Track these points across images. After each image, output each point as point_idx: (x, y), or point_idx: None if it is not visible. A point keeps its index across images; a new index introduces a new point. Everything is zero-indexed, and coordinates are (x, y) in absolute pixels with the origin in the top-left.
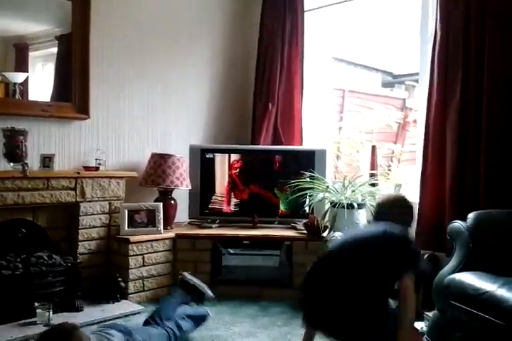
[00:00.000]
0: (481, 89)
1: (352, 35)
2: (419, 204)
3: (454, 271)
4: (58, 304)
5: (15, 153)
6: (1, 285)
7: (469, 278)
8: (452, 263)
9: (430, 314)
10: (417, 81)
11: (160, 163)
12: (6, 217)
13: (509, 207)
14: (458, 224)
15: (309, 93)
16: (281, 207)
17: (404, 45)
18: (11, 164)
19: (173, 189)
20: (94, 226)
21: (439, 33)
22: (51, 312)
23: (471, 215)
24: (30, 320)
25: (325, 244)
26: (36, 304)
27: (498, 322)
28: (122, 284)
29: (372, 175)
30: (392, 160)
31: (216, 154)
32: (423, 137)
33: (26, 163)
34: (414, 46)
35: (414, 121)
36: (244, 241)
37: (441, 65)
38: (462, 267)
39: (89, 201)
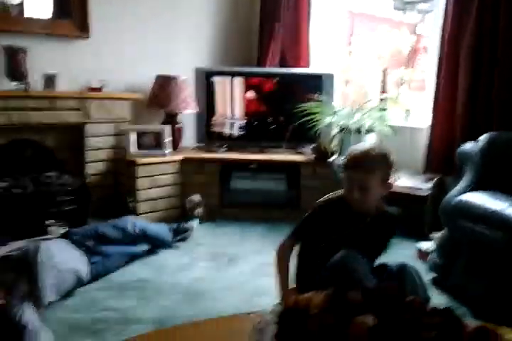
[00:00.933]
0: (497, 10)
1: None
2: (431, 128)
3: (463, 192)
4: (70, 222)
5: (16, 71)
6: (12, 204)
7: (479, 198)
8: (462, 184)
9: (438, 235)
10: (429, 6)
11: (165, 85)
12: (12, 136)
13: None
14: (469, 145)
15: (317, 15)
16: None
17: None
18: (14, 83)
19: (179, 112)
20: (101, 148)
21: None
22: (63, 230)
23: (483, 137)
24: (43, 237)
25: (332, 169)
26: (48, 222)
27: (508, 239)
28: (132, 204)
29: (381, 99)
30: (401, 86)
31: (221, 77)
32: (436, 61)
33: (28, 82)
34: None
35: (425, 48)
36: (252, 165)
37: None
38: (472, 188)
39: (95, 122)
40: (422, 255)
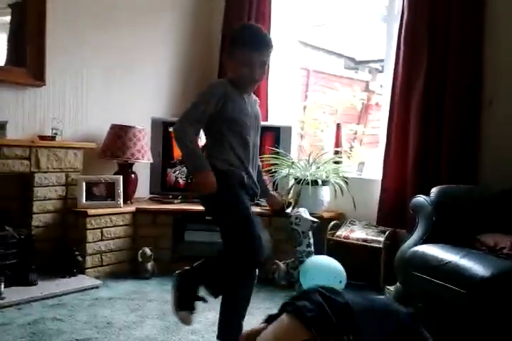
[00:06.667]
0: (445, 71)
1: (316, 19)
2: (382, 181)
3: (416, 244)
4: (11, 277)
5: None
6: None
7: (432, 250)
8: (415, 236)
9: (392, 288)
10: (380, 66)
11: (120, 134)
12: None
13: (469, 184)
14: (421, 198)
15: (274, 72)
16: None
17: (368, 31)
18: None
19: (134, 162)
20: (50, 198)
21: (406, 13)
22: (3, 286)
23: (434, 189)
24: None
25: (289, 220)
26: None
27: (461, 290)
28: (79, 258)
29: (336, 152)
30: (354, 141)
31: None
32: (387, 118)
33: None
34: (378, 31)
35: (377, 104)
36: (207, 217)
37: (407, 45)
38: (425, 240)
39: (45, 172)
40: None
